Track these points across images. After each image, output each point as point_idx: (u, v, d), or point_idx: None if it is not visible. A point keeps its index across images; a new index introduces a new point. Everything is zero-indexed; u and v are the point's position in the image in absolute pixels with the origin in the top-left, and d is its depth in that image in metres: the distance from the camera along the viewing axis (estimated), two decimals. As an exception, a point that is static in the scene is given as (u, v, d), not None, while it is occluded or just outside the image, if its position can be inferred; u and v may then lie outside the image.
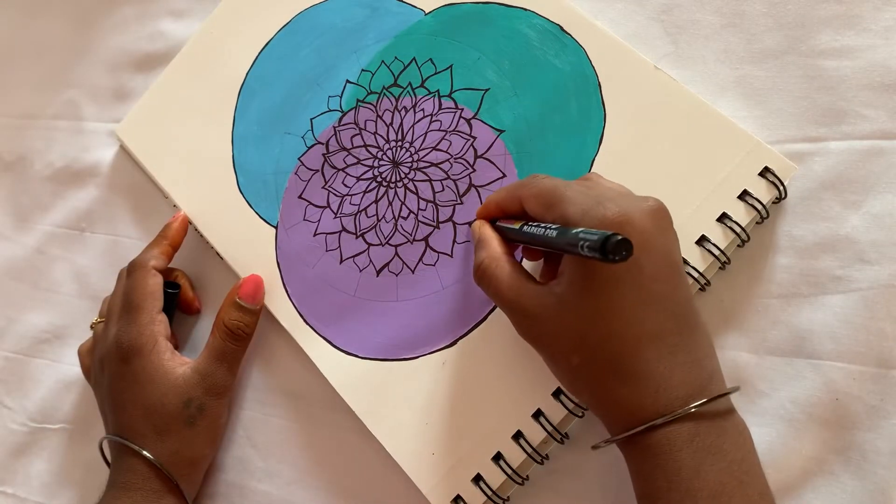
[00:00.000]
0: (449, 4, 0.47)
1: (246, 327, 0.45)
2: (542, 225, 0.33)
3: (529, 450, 0.39)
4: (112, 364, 0.44)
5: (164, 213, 0.52)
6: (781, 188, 0.39)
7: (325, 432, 0.45)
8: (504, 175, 0.43)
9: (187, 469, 0.43)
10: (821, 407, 0.38)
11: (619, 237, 0.27)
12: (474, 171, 0.44)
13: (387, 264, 0.44)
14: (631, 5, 0.45)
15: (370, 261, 0.45)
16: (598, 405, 0.34)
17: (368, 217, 0.45)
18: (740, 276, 0.40)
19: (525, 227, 0.35)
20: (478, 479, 0.39)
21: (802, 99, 0.41)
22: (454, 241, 0.43)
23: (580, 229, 0.30)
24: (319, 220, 0.46)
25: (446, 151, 0.45)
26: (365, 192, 0.46)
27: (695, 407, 0.31)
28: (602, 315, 0.32)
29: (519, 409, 0.39)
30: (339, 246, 0.46)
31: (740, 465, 0.31)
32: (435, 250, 0.44)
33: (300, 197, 0.47)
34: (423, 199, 0.44)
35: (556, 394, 0.39)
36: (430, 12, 0.47)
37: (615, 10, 0.45)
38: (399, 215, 0.45)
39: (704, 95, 0.42)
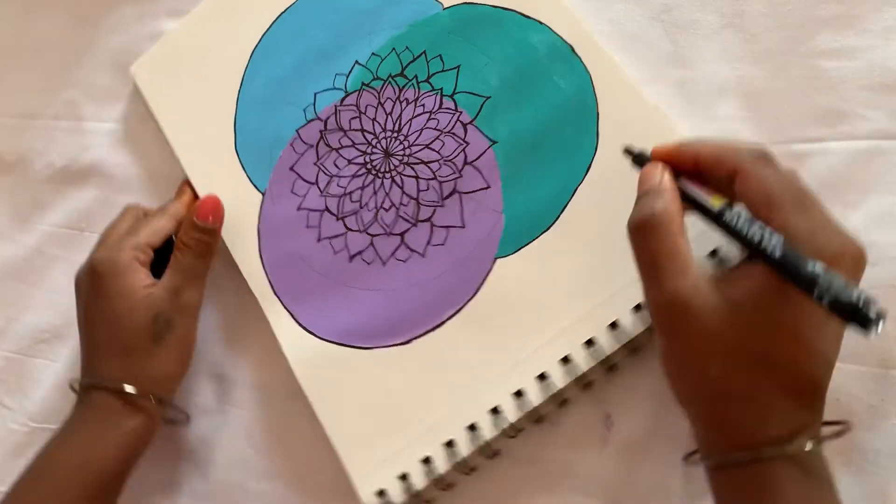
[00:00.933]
0: (468, 3, 0.46)
1: (206, 245, 0.46)
2: (760, 225, 0.30)
3: (458, 459, 0.39)
4: (88, 279, 0.45)
5: (164, 213, 0.52)
6: None
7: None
8: (488, 186, 0.43)
9: (155, 388, 0.43)
10: (821, 407, 0.37)
11: (878, 309, 0.25)
12: (461, 176, 0.44)
13: (360, 252, 0.45)
14: (631, 5, 0.45)
15: (346, 245, 0.45)
16: (713, 420, 0.32)
17: (352, 202, 0.46)
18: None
19: (728, 215, 0.31)
20: (404, 477, 0.40)
21: (802, 99, 0.41)
22: (428, 242, 0.44)
23: (821, 271, 0.27)
24: (305, 196, 0.47)
25: (438, 152, 0.45)
26: (354, 175, 0.46)
27: (834, 434, 0.31)
28: (774, 342, 0.30)
29: (455, 419, 0.40)
30: (320, 224, 0.46)
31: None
32: (409, 247, 0.44)
33: (291, 169, 0.48)
34: (407, 195, 0.45)
35: (494, 411, 0.39)
36: (448, 7, 0.47)
37: (615, 10, 0.45)
38: (381, 206, 0.45)
39: (704, 95, 0.42)
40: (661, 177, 0.33)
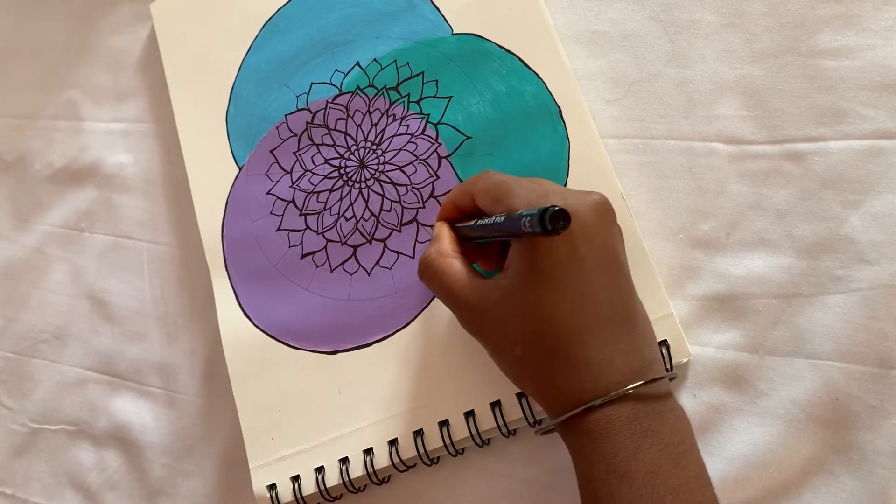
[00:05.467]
0: (476, 35, 0.46)
1: None
2: (493, 217, 0.35)
3: (346, 479, 0.41)
4: None
5: (164, 213, 0.52)
6: (668, 366, 0.38)
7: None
8: None
9: None
10: (821, 407, 0.38)
11: (556, 208, 0.29)
12: (423, 207, 0.44)
13: (313, 253, 0.45)
14: (631, 5, 0.45)
15: (301, 242, 0.46)
16: (541, 393, 0.35)
17: (318, 202, 0.46)
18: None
19: (478, 222, 0.36)
20: (296, 478, 0.42)
21: (802, 99, 0.41)
22: (377, 262, 0.44)
23: (522, 210, 0.31)
24: (277, 182, 0.47)
25: (409, 177, 0.45)
26: (326, 176, 0.46)
27: (632, 388, 0.32)
28: (544, 305, 0.33)
29: (355, 439, 0.42)
30: (283, 214, 0.47)
31: (676, 448, 0.32)
32: (358, 262, 0.45)
33: (271, 152, 0.48)
34: (370, 210, 0.45)
35: (392, 442, 0.41)
36: (456, 34, 0.46)
37: (615, 10, 0.45)
38: (343, 214, 0.46)
39: (704, 95, 0.42)
40: (441, 228, 0.38)
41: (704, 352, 0.40)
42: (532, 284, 0.33)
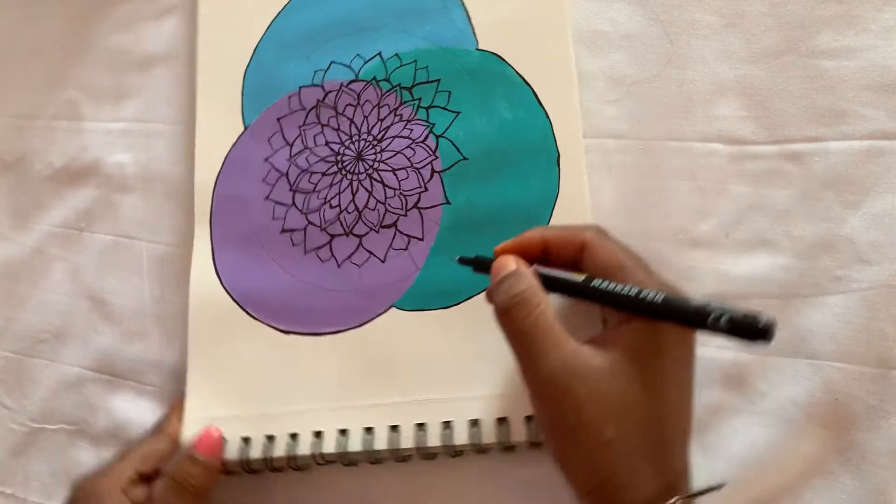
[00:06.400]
0: (499, 56, 0.45)
1: (202, 484, 0.40)
2: (631, 287, 0.31)
3: (269, 454, 0.41)
4: None
5: (163, 213, 0.52)
6: None
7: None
8: (422, 238, 0.43)
9: None
10: (821, 407, 0.38)
11: (772, 319, 0.27)
12: (405, 216, 0.44)
13: (292, 230, 0.45)
14: (631, 5, 0.45)
15: (284, 217, 0.46)
16: (608, 486, 0.31)
17: (309, 182, 0.46)
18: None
19: (596, 282, 0.32)
20: (247, 440, 0.42)
21: (802, 99, 0.41)
22: (349, 257, 0.44)
23: (712, 302, 0.29)
24: (277, 152, 0.47)
25: (399, 181, 0.45)
26: (323, 159, 0.46)
27: (710, 490, 0.32)
28: (660, 394, 0.31)
29: (283, 421, 0.42)
30: (274, 185, 0.47)
31: None
32: (332, 251, 0.45)
33: (278, 119, 0.48)
34: (355, 205, 0.45)
35: (317, 435, 0.41)
36: (480, 49, 0.46)
37: (615, 10, 0.45)
38: (329, 200, 0.45)
39: (704, 95, 0.42)
40: (517, 263, 0.34)
41: (704, 352, 0.40)
42: (650, 368, 0.31)
